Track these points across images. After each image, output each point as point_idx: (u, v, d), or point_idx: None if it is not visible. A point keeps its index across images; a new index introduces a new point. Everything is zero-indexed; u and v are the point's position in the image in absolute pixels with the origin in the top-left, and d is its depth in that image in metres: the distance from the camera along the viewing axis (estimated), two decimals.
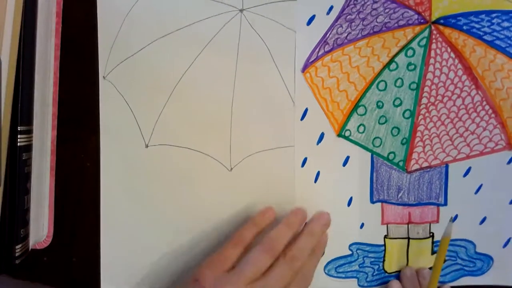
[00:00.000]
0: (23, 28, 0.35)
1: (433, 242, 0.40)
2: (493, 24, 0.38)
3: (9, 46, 0.34)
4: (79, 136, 0.41)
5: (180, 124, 0.40)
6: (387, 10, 0.38)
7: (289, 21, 0.39)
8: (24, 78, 0.35)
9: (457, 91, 0.39)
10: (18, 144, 0.35)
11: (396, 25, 0.38)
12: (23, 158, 0.36)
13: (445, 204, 0.40)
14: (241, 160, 0.40)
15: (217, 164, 0.40)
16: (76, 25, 0.40)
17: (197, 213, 0.40)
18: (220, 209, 0.40)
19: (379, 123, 0.40)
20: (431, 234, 0.40)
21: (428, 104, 0.39)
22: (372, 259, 0.41)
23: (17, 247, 0.36)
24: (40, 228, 0.40)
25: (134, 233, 0.41)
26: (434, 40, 0.38)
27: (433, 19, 0.38)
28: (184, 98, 0.40)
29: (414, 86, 0.39)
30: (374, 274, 0.41)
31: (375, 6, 0.38)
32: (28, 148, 0.36)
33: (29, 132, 0.36)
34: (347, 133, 0.40)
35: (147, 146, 0.40)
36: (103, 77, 0.40)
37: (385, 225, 0.40)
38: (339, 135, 0.40)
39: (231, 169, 0.40)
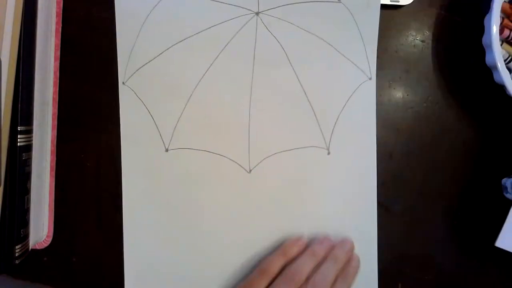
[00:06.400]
0: (23, 28, 0.35)
1: None
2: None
3: (9, 46, 0.34)
4: (79, 136, 0.41)
5: (199, 128, 0.40)
6: None
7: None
8: (24, 78, 0.35)
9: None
10: (18, 144, 0.35)
11: None
12: (23, 158, 0.36)
13: None
14: (260, 161, 0.40)
15: (236, 166, 0.40)
16: (76, 25, 0.40)
17: (217, 215, 0.41)
18: (240, 210, 0.41)
19: None
20: None
21: None
22: None
23: (17, 247, 0.36)
24: (40, 228, 0.40)
25: (156, 236, 0.40)
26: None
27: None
28: (202, 101, 0.40)
29: None
30: None
31: None
32: (28, 148, 0.36)
33: (29, 132, 0.36)
34: None
35: (167, 150, 0.40)
36: (123, 82, 0.40)
37: None
38: None
39: (250, 170, 0.40)
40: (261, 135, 0.40)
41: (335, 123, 0.41)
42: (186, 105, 0.40)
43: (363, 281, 0.41)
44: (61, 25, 0.40)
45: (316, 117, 0.40)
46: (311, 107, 0.40)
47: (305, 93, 0.40)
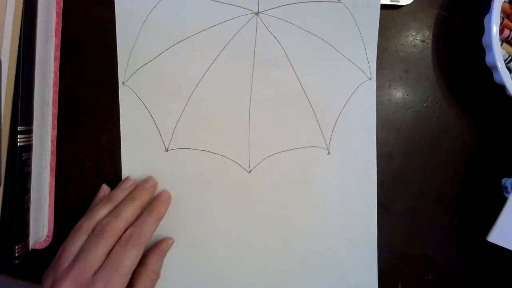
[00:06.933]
0: (23, 28, 0.35)
1: None
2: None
3: (9, 46, 0.34)
4: (79, 136, 0.41)
5: (199, 128, 0.40)
6: None
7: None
8: (24, 78, 0.35)
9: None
10: (18, 144, 0.35)
11: None
12: (23, 158, 0.36)
13: None
14: (260, 161, 0.40)
15: (236, 166, 0.40)
16: (76, 25, 0.40)
17: (217, 215, 0.41)
18: (240, 210, 0.41)
19: None
20: None
21: None
22: None
23: (17, 247, 0.36)
24: (40, 228, 0.40)
25: (155, 235, 0.40)
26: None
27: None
28: (202, 101, 0.40)
29: None
30: None
31: None
32: (28, 148, 0.36)
33: (29, 132, 0.36)
34: None
35: (167, 150, 0.40)
36: (123, 83, 0.40)
37: None
38: None
39: (250, 170, 0.40)
40: (261, 135, 0.40)
41: (335, 123, 0.41)
42: (186, 105, 0.40)
43: (363, 281, 0.41)
44: (61, 25, 0.40)
45: (316, 117, 0.40)
46: (311, 107, 0.40)
47: (305, 93, 0.40)
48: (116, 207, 0.37)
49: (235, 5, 0.39)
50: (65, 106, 0.41)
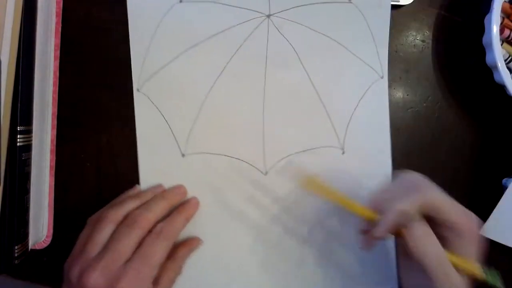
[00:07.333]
0: (23, 28, 0.35)
1: None
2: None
3: (9, 46, 0.34)
4: (79, 136, 0.41)
5: (214, 132, 0.40)
6: None
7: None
8: (24, 78, 0.35)
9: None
10: (18, 144, 0.35)
11: None
12: (23, 158, 0.36)
13: None
14: (275, 163, 0.40)
15: (252, 169, 0.40)
16: (76, 25, 0.40)
17: (234, 217, 0.40)
18: (257, 212, 0.40)
19: None
20: None
21: None
22: None
23: (16, 247, 0.36)
24: (40, 228, 0.40)
25: None
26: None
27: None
28: (216, 105, 0.40)
29: None
30: None
31: None
32: (27, 148, 0.36)
33: (28, 132, 0.36)
34: None
35: (183, 155, 0.40)
36: (137, 89, 0.40)
37: None
38: None
39: (266, 172, 0.40)
40: (276, 137, 0.40)
41: (349, 122, 0.41)
42: (200, 109, 0.40)
43: (382, 275, 0.41)
44: (61, 25, 0.40)
45: (329, 117, 0.40)
46: (324, 107, 0.40)
47: (318, 94, 0.40)
48: (145, 203, 0.37)
49: (246, 9, 0.39)
50: (65, 106, 0.41)
